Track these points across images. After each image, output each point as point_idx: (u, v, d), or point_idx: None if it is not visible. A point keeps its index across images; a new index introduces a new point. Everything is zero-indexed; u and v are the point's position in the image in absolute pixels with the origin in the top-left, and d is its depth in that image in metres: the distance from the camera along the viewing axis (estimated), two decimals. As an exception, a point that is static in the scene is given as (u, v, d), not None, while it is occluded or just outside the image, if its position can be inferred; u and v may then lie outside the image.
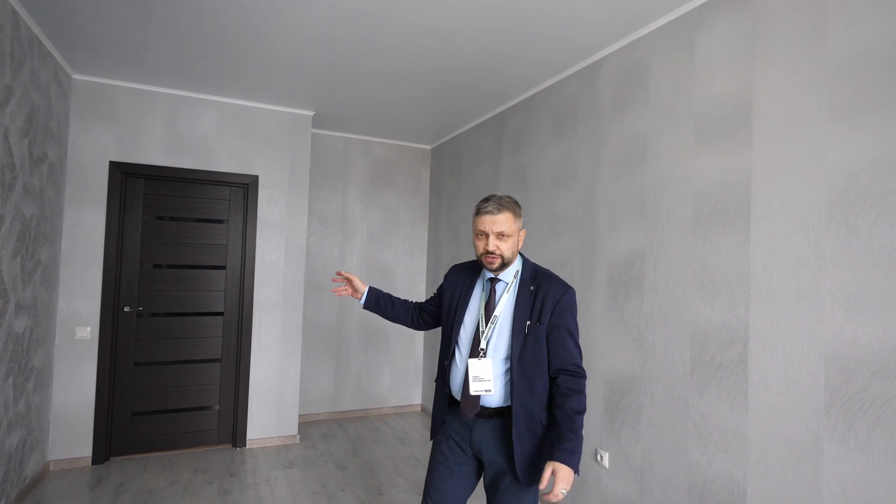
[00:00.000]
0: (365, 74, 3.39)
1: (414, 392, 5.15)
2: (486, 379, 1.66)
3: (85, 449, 3.52)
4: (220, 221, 3.98)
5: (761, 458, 1.97)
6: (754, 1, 2.08)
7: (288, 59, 3.19)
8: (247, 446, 3.95)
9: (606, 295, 2.79)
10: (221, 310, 3.97)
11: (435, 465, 1.79)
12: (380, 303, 2.04)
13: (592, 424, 2.85)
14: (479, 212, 1.68)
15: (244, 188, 4.04)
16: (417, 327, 2.06)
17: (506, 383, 1.68)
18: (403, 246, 5.15)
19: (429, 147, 5.30)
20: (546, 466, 1.53)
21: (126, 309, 3.70)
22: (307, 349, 4.70)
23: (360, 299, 2.03)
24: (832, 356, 1.75)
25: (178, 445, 3.84)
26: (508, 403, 1.68)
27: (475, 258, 1.86)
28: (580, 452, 1.57)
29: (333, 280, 2.08)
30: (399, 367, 5.09)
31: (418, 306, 2.06)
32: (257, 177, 4.03)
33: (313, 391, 4.72)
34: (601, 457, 2.75)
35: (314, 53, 3.08)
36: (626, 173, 2.69)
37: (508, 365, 1.67)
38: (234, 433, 3.96)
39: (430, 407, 4.92)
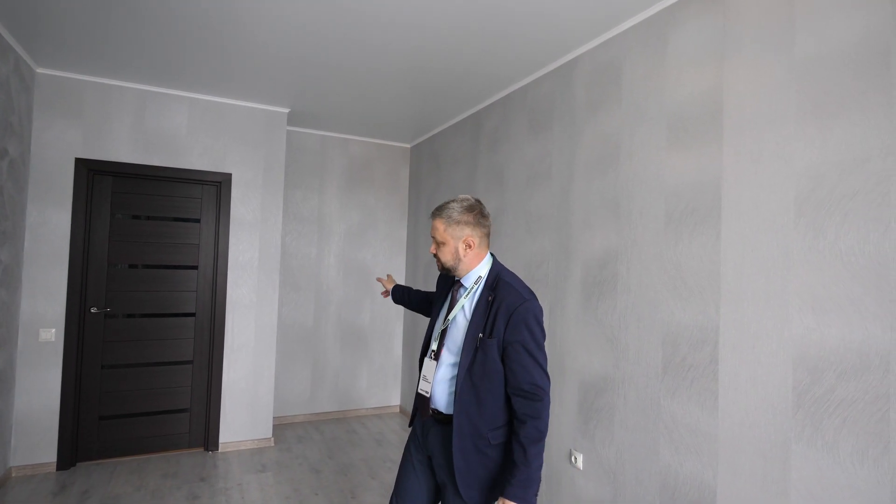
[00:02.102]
0: (342, 71, 3.34)
1: (392, 393, 5.10)
2: (429, 380, 1.67)
3: (49, 454, 3.42)
4: (192, 220, 3.89)
5: (731, 459, 1.96)
6: (724, 1, 2.07)
7: (262, 55, 3.12)
8: (219, 450, 3.87)
9: (581, 295, 2.78)
10: (193, 310, 3.88)
11: (403, 463, 1.79)
12: (405, 289, 2.30)
13: (566, 426, 2.83)
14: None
15: (217, 186, 3.95)
16: (428, 308, 2.22)
17: (451, 392, 1.63)
18: (382, 246, 5.10)
19: (408, 145, 5.25)
20: (499, 501, 1.50)
21: (93, 310, 3.59)
22: (283, 350, 4.63)
23: (392, 295, 2.34)
24: (800, 357, 1.75)
25: (148, 450, 3.75)
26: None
27: None
28: (537, 481, 1.50)
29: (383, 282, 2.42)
30: (377, 368, 5.03)
31: (428, 297, 2.23)
32: (230, 175, 3.94)
33: (289, 393, 4.65)
34: (575, 458, 2.73)
35: (289, 49, 3.02)
36: (600, 173, 2.68)
37: (454, 373, 1.63)
38: (206, 436, 3.87)
39: (409, 408, 4.88)
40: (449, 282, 1.84)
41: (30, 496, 3.06)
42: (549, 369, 2.97)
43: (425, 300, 2.21)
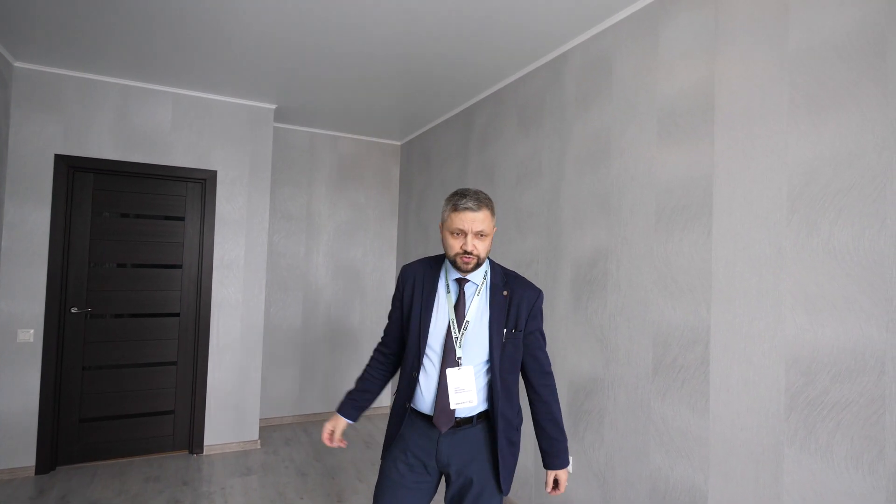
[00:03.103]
0: (329, 67, 3.26)
1: (383, 394, 5.03)
2: (468, 389, 1.54)
3: (28, 458, 3.33)
4: (176, 219, 3.81)
5: (722, 463, 1.91)
6: (717, -9, 2.02)
7: (248, 50, 3.04)
8: (204, 452, 3.79)
9: (571, 295, 2.72)
10: (177, 310, 3.80)
11: (389, 486, 1.61)
12: (358, 401, 1.76)
13: (556, 428, 2.77)
14: (456, 208, 1.52)
15: (201, 184, 3.87)
16: (395, 367, 1.80)
17: (479, 390, 1.59)
18: (372, 244, 5.03)
19: (398, 143, 5.18)
20: (548, 474, 1.66)
21: (74, 310, 3.51)
22: (272, 351, 4.55)
23: (351, 420, 1.77)
24: (793, 358, 1.69)
25: (131, 452, 3.66)
26: (480, 411, 1.60)
27: (431, 256, 1.74)
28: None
29: (335, 445, 1.77)
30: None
31: (379, 351, 1.80)
32: (216, 172, 3.86)
33: (278, 394, 4.57)
34: (565, 461, 2.67)
35: (276, 44, 2.94)
36: (591, 169, 2.62)
37: (482, 371, 1.59)
38: (191, 439, 3.79)
39: (399, 409, 4.81)
40: (428, 280, 1.65)
41: (7, 501, 2.97)
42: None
43: (382, 363, 1.79)
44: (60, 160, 3.43)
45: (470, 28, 2.67)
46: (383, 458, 1.68)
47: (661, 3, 2.26)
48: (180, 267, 3.81)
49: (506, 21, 2.58)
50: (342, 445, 1.74)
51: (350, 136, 4.94)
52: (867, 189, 1.52)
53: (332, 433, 1.73)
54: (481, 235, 1.53)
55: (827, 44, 1.64)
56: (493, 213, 1.58)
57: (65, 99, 3.46)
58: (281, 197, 4.62)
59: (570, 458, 2.64)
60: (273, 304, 4.56)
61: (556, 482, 1.66)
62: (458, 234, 1.53)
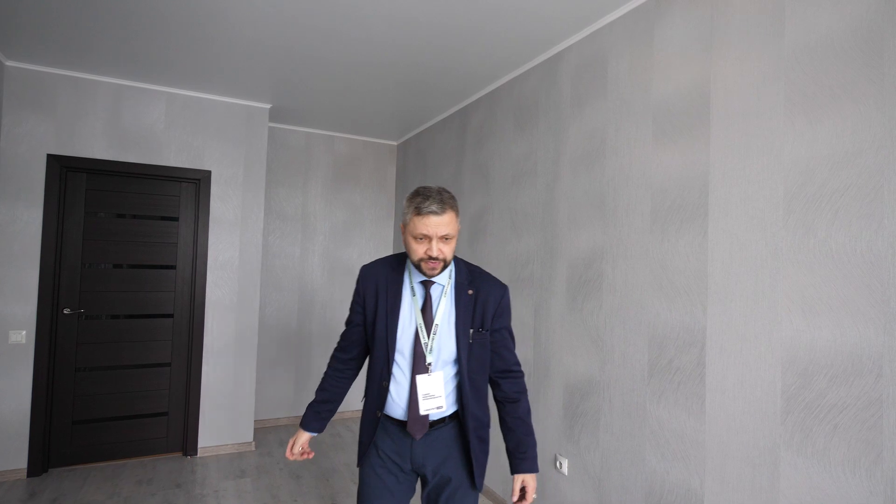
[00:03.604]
0: (325, 66, 3.24)
1: (379, 395, 5.00)
2: (438, 395, 1.51)
3: (20, 461, 3.30)
4: (170, 219, 3.78)
5: (718, 466, 1.88)
6: (713, -11, 1.99)
7: (243, 49, 3.02)
8: (198, 454, 3.76)
9: (566, 296, 2.69)
10: (171, 311, 3.77)
11: (371, 492, 1.59)
12: (322, 414, 1.70)
13: (552, 430, 2.75)
14: (419, 211, 1.42)
15: (196, 184, 3.84)
16: (356, 372, 1.74)
17: (449, 393, 1.57)
18: (368, 245, 5.00)
19: (395, 143, 5.16)
20: (515, 480, 1.57)
21: (66, 311, 3.48)
22: (266, 352, 4.52)
23: (316, 433, 1.72)
24: (789, 360, 1.67)
25: (124, 455, 3.63)
26: (451, 412, 1.58)
27: (392, 255, 1.68)
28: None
29: (299, 457, 1.73)
30: (363, 370, 4.93)
31: (336, 358, 1.71)
32: (210, 172, 3.83)
33: (273, 395, 4.54)
34: (560, 464, 2.65)
35: (271, 43, 2.92)
36: (586, 169, 2.60)
37: (451, 373, 1.56)
38: (185, 441, 3.77)
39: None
40: (392, 282, 1.58)
41: (-3, 504, 2.95)
42: (534, 370, 2.90)
43: (342, 370, 1.71)
44: (53, 160, 3.40)
45: (465, 27, 2.65)
46: (360, 465, 1.65)
47: (656, 2, 2.24)
48: (174, 268, 3.78)
49: (501, 21, 2.56)
50: (308, 457, 1.71)
51: (346, 135, 4.91)
52: (864, 189, 1.50)
53: (293, 446, 1.68)
54: (446, 239, 1.46)
55: (823, 42, 1.62)
56: (457, 213, 1.49)
57: (57, 98, 3.43)
58: (276, 197, 4.59)
59: (566, 461, 2.62)
60: (268, 305, 4.53)
61: (522, 491, 1.57)
62: (421, 239, 1.45)
